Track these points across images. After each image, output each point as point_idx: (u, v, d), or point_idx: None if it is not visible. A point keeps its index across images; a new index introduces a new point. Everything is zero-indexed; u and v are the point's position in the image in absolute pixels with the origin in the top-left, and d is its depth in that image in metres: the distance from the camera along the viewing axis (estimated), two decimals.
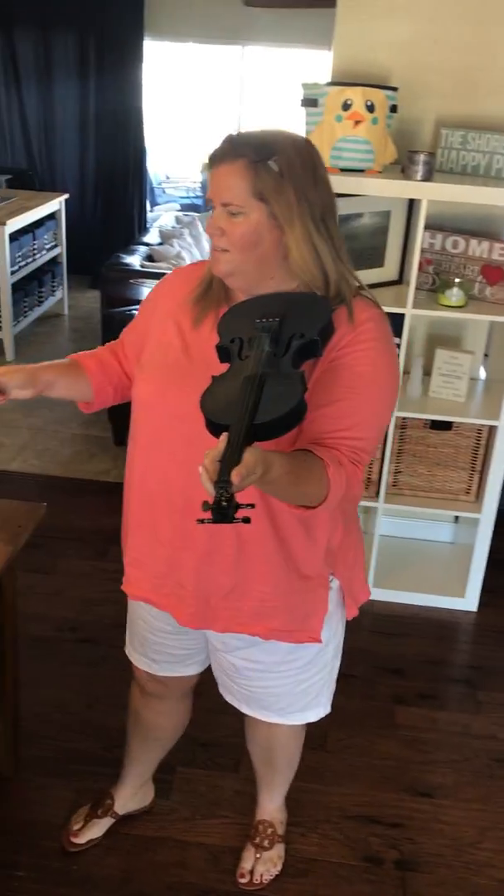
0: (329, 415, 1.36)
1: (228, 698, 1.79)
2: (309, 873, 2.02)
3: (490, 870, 2.06)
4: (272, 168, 1.32)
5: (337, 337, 1.38)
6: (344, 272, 1.41)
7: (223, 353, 1.36)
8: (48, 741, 2.34)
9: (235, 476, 1.10)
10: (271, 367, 1.29)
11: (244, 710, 1.76)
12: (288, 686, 1.68)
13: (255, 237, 1.35)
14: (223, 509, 1.09)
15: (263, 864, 1.99)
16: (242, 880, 1.96)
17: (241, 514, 1.11)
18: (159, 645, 1.74)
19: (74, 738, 2.35)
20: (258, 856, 1.99)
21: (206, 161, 1.37)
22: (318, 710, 1.76)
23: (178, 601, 1.56)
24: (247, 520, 1.11)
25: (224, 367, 1.35)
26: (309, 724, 2.27)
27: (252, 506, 1.12)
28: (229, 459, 1.13)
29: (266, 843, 2.01)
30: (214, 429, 1.24)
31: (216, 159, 1.34)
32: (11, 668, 2.10)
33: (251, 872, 1.97)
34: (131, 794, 2.09)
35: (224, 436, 1.16)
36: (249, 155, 1.31)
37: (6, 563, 1.84)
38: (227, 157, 1.33)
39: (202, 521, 1.11)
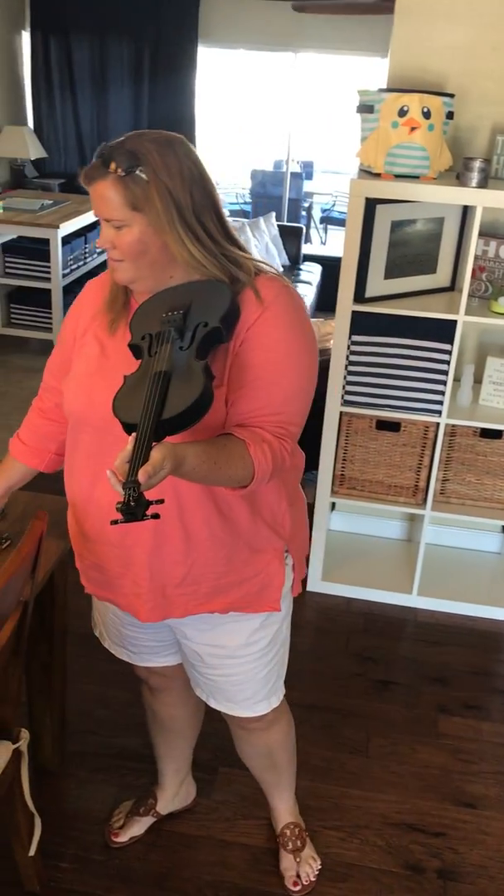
0: (248, 395, 1.40)
1: (197, 692, 1.80)
2: (349, 878, 2.02)
3: None
4: (140, 178, 1.34)
5: (245, 318, 1.40)
6: (235, 257, 1.43)
7: (136, 350, 1.40)
8: (92, 736, 2.37)
9: (142, 475, 1.14)
10: (178, 360, 1.32)
11: (213, 704, 1.77)
12: (252, 671, 1.69)
13: (141, 245, 1.38)
14: (132, 509, 1.13)
15: (305, 864, 2.00)
16: (297, 888, 1.96)
17: (150, 510, 1.14)
18: (134, 638, 1.77)
19: (117, 734, 2.38)
20: (298, 859, 2.00)
21: (81, 180, 1.40)
22: (279, 693, 1.79)
23: (135, 598, 1.59)
24: (156, 515, 1.15)
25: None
26: (350, 730, 2.25)
27: (161, 501, 1.16)
28: (137, 458, 1.16)
29: (299, 843, 2.02)
30: (127, 428, 1.27)
31: (89, 177, 1.37)
32: (60, 665, 2.13)
33: (299, 877, 1.98)
34: (172, 795, 2.11)
35: (133, 435, 1.20)
36: (117, 170, 1.34)
37: (58, 559, 1.87)
38: (98, 174, 1.36)
39: (115, 522, 1.15)
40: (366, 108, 2.54)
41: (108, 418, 1.40)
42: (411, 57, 2.74)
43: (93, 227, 5.55)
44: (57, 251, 4.94)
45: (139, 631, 1.74)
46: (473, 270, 2.68)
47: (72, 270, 5.28)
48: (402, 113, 2.46)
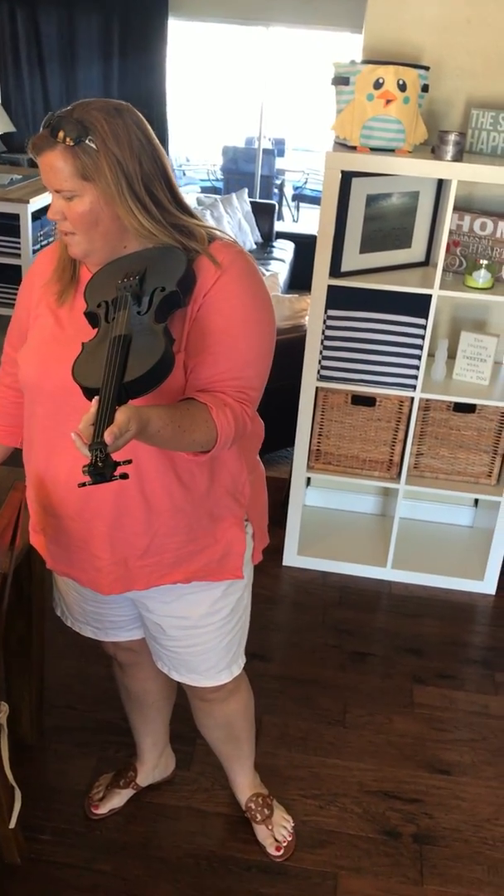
0: (208, 361, 1.40)
1: (159, 665, 1.80)
2: (327, 845, 2.05)
3: None
4: (90, 147, 1.33)
5: (202, 283, 1.40)
6: (187, 225, 1.42)
7: (92, 318, 1.39)
8: (70, 711, 2.37)
9: (108, 436, 1.14)
10: (137, 325, 1.31)
11: (175, 676, 1.78)
12: (214, 641, 1.70)
13: (92, 216, 1.37)
14: (100, 469, 1.13)
15: (279, 828, 2.03)
16: (279, 853, 1.99)
17: (118, 471, 1.14)
18: (97, 613, 1.77)
19: (96, 709, 2.38)
20: (270, 827, 2.03)
21: (29, 150, 1.37)
22: (240, 661, 1.80)
23: (96, 573, 1.58)
24: (124, 476, 1.15)
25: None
26: (327, 700, 2.27)
27: (129, 461, 1.17)
28: (101, 421, 1.17)
29: (267, 811, 2.04)
30: (88, 393, 1.27)
31: (37, 148, 1.35)
32: (38, 639, 2.13)
33: (278, 841, 2.01)
34: (152, 767, 2.12)
35: (96, 399, 1.20)
36: (66, 139, 1.32)
37: None
38: (47, 144, 1.33)
39: (83, 485, 1.15)
40: (341, 81, 2.53)
41: (64, 388, 1.39)
42: (386, 29, 2.73)
43: None
44: (27, 226, 4.86)
45: (102, 606, 1.74)
46: (448, 245, 2.69)
47: (42, 246, 5.20)
48: (378, 85, 2.45)
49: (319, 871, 1.98)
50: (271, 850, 2.00)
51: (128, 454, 1.35)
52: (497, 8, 2.65)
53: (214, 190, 7.85)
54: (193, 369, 1.40)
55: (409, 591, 3.03)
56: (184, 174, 8.36)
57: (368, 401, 2.86)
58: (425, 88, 2.53)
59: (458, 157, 2.47)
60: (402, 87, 2.45)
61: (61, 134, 1.32)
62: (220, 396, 1.39)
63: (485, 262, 2.62)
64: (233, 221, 5.76)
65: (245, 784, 2.07)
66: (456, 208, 2.69)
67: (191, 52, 8.12)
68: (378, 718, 2.44)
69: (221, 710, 1.87)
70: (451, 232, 2.68)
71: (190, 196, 6.68)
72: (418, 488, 2.96)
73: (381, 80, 2.44)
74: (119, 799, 2.07)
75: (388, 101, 2.46)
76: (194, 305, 1.40)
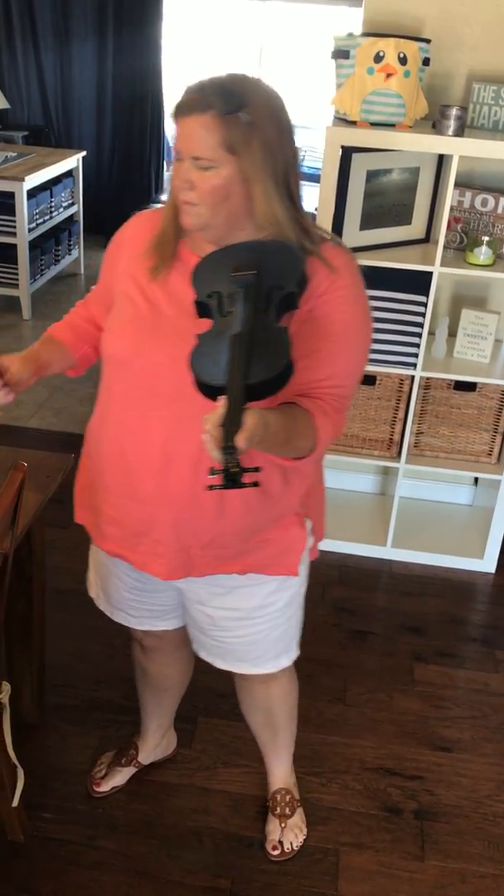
0: (311, 365, 1.37)
1: (203, 654, 1.78)
2: (329, 821, 2.06)
3: None
4: (242, 120, 1.28)
5: (313, 286, 1.37)
6: (307, 224, 1.40)
7: (202, 308, 1.34)
8: (71, 690, 2.37)
9: (242, 441, 1.12)
10: (258, 324, 1.27)
11: (219, 665, 1.76)
12: (264, 632, 1.68)
13: (224, 191, 1.32)
14: (233, 475, 1.11)
15: (290, 832, 1.99)
16: (275, 853, 1.96)
17: (248, 478, 1.13)
18: (136, 601, 1.74)
19: (97, 688, 2.38)
20: (283, 825, 2.00)
21: (173, 111, 1.32)
22: (291, 654, 1.78)
23: (154, 558, 1.55)
24: (255, 484, 1.13)
25: (198, 321, 1.34)
26: (328, 679, 2.27)
27: (258, 469, 1.14)
28: (231, 424, 1.13)
29: (288, 810, 2.02)
30: (208, 390, 1.24)
31: (185, 109, 1.29)
32: (39, 619, 2.12)
33: (281, 843, 1.98)
34: (154, 745, 2.12)
35: (223, 400, 1.16)
36: (219, 106, 1.27)
37: (36, 512, 1.85)
38: (197, 107, 1.28)
39: (213, 488, 1.13)
40: (341, 54, 2.49)
41: (152, 370, 1.38)
42: (386, 1, 2.69)
43: (58, 181, 5.43)
44: (22, 205, 4.82)
45: (144, 595, 1.72)
46: (449, 221, 2.67)
47: (38, 225, 5.16)
48: (378, 59, 2.41)
49: (321, 848, 1.99)
50: (268, 848, 1.96)
51: (180, 413, 1.39)
52: None
53: None
54: (296, 372, 1.33)
55: (409, 569, 3.03)
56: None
57: (369, 379, 2.84)
58: (426, 62, 2.49)
59: (459, 132, 2.44)
60: (403, 61, 2.41)
61: (216, 100, 1.27)
62: (320, 404, 1.37)
63: (486, 238, 2.59)
64: None
65: (278, 775, 2.05)
66: (457, 184, 2.67)
67: (187, 28, 8.02)
68: (379, 696, 2.44)
69: (263, 692, 1.86)
70: (451, 208, 2.66)
71: None
72: (418, 467, 2.95)
73: (381, 54, 2.41)
74: (121, 777, 2.08)
75: (389, 75, 2.42)
76: (304, 307, 1.37)
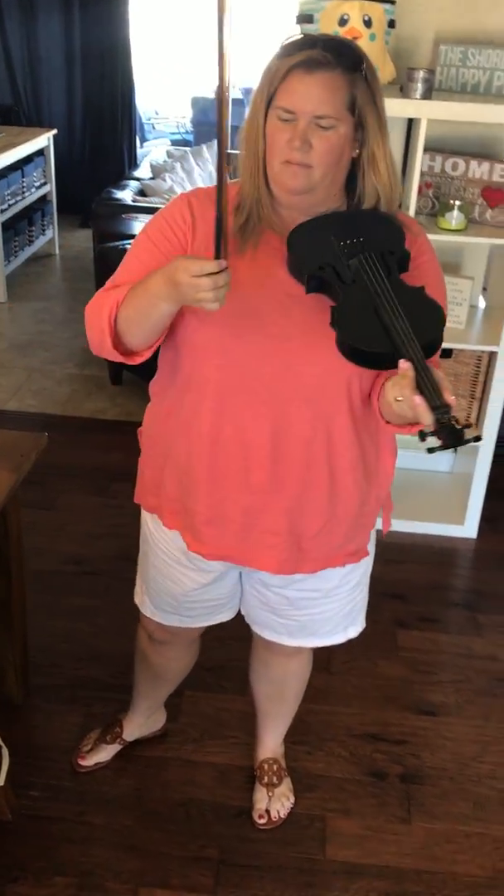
0: None
1: (267, 634, 1.74)
2: (316, 788, 2.08)
3: (491, 781, 2.11)
4: (365, 79, 1.27)
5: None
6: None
7: (315, 282, 1.30)
8: (56, 669, 2.37)
9: (450, 397, 1.11)
10: (396, 286, 1.28)
11: (289, 642, 1.73)
12: (339, 607, 1.68)
13: (339, 151, 1.29)
14: (458, 432, 1.11)
15: (277, 801, 2.00)
16: (262, 821, 1.97)
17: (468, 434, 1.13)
18: (194, 602, 1.68)
19: (82, 667, 2.38)
20: (270, 794, 2.01)
21: (288, 66, 1.25)
22: (357, 626, 1.77)
23: (264, 550, 1.51)
24: (478, 438, 1.14)
25: (294, 296, 1.32)
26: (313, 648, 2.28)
27: (469, 425, 1.12)
28: (430, 385, 1.13)
29: (275, 779, 2.03)
30: (373, 359, 1.23)
31: (310, 65, 1.23)
32: (18, 599, 2.12)
33: (268, 812, 1.99)
34: (140, 724, 2.12)
35: (409, 364, 1.15)
36: (345, 63, 1.24)
37: (10, 491, 1.84)
38: (326, 65, 1.23)
39: (433, 450, 1.12)
40: (305, 18, 2.46)
41: (255, 353, 1.33)
42: None
43: (29, 160, 5.35)
44: None
45: (205, 589, 1.65)
46: (420, 187, 2.64)
47: (9, 206, 5.10)
48: (343, 22, 2.38)
49: (308, 815, 2.01)
50: (255, 816, 1.97)
51: (325, 428, 1.38)
52: None
53: (185, 143, 7.68)
54: None
55: (392, 537, 2.99)
56: (153, 128, 8.18)
57: None
58: (392, 24, 2.46)
59: (427, 95, 2.42)
60: (368, 24, 2.38)
61: (341, 58, 1.24)
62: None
63: (457, 203, 2.58)
64: (204, 173, 5.65)
65: (269, 745, 2.06)
66: (427, 149, 2.64)
67: (153, 4, 7.90)
68: (363, 663, 2.46)
69: (282, 666, 1.86)
70: (422, 173, 2.64)
71: (160, 149, 6.55)
72: (398, 435, 2.94)
73: (346, 17, 2.38)
74: (105, 753, 2.08)
75: (355, 39, 2.39)
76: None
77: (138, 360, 1.41)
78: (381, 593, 2.75)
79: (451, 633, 2.62)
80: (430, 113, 2.41)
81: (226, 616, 1.76)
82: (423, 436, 1.12)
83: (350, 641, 2.49)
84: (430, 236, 2.56)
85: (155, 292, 1.26)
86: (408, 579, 2.83)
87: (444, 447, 1.11)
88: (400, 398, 1.16)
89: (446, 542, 3.03)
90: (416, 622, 2.64)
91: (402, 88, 2.47)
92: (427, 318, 1.24)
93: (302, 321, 1.34)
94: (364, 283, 1.27)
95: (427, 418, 1.11)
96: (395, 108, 2.43)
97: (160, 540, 1.64)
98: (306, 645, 1.76)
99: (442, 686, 2.40)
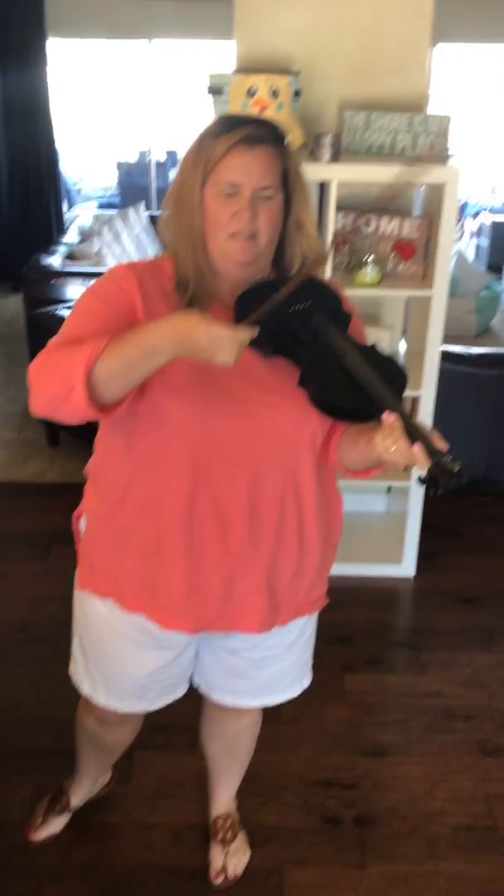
0: None
1: (228, 699, 1.74)
2: (271, 840, 2.08)
3: (443, 817, 2.15)
4: (290, 150, 1.37)
5: None
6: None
7: (274, 346, 1.37)
8: (3, 742, 2.34)
9: (441, 442, 1.18)
10: (350, 342, 1.37)
11: (248, 703, 1.75)
12: (296, 660, 1.71)
13: (279, 219, 1.38)
14: (459, 474, 1.15)
15: (233, 857, 1.99)
16: (218, 880, 1.95)
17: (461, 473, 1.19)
18: (155, 681, 1.66)
19: (29, 735, 2.36)
20: (226, 851, 2.00)
21: (228, 143, 1.31)
22: (309, 674, 1.80)
23: (246, 612, 1.52)
24: (470, 476, 1.17)
25: (253, 363, 1.37)
26: None
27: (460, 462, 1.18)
28: (419, 432, 1.20)
29: (230, 835, 2.02)
30: (344, 413, 1.32)
31: (255, 139, 1.32)
32: None
33: (224, 869, 1.97)
34: (88, 790, 2.10)
35: (394, 416, 1.21)
36: (278, 136, 1.36)
37: None
38: (264, 140, 1.33)
39: (437, 493, 1.17)
40: (215, 91, 2.58)
41: (226, 422, 1.37)
42: (256, 39, 2.79)
43: None
44: None
45: (166, 669, 1.64)
46: (336, 244, 2.76)
47: None
48: (251, 93, 2.51)
49: (264, 868, 2.01)
50: (211, 876, 1.96)
51: (293, 481, 1.43)
52: (358, 13, 2.74)
53: (112, 206, 7.82)
54: None
55: (334, 582, 3.02)
56: (80, 192, 8.30)
57: None
58: (298, 94, 2.60)
59: (335, 158, 2.55)
60: (275, 94, 2.51)
61: (275, 132, 1.35)
62: None
63: (371, 257, 2.70)
64: (131, 235, 5.76)
65: (222, 801, 2.05)
66: (340, 207, 2.77)
67: (77, 69, 8.08)
68: (312, 710, 2.48)
69: (234, 723, 1.87)
70: (336, 231, 2.76)
71: (87, 213, 6.65)
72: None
73: (253, 89, 2.50)
74: (56, 825, 2.05)
75: (263, 108, 2.51)
76: None
77: (111, 415, 1.32)
78: (327, 638, 2.77)
79: (397, 672, 2.66)
80: (339, 175, 2.54)
81: (181, 692, 1.75)
82: (423, 481, 1.19)
83: None
84: (349, 291, 2.70)
85: (153, 346, 1.22)
86: (351, 622, 2.88)
87: (445, 489, 1.16)
88: (394, 448, 1.22)
89: (386, 583, 3.09)
90: (361, 665, 2.68)
91: (312, 153, 2.60)
92: (390, 369, 1.33)
93: (264, 383, 1.40)
94: (325, 342, 1.36)
95: (425, 464, 1.17)
96: (307, 172, 2.54)
97: (118, 623, 1.59)
98: (266, 703, 1.77)
99: (390, 726, 2.44)
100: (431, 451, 1.17)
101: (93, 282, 1.47)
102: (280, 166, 1.35)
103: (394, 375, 1.32)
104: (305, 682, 1.80)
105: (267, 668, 1.67)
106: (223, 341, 1.20)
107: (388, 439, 1.22)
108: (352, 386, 1.29)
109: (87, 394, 1.24)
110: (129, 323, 1.35)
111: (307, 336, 1.36)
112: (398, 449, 1.21)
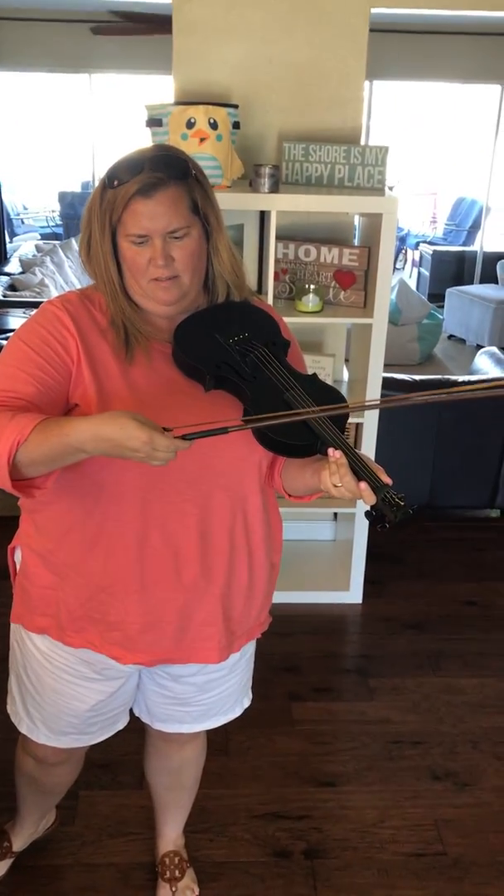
0: None
1: (171, 727, 1.72)
2: (220, 877, 2.04)
3: (394, 845, 2.13)
4: (196, 179, 1.33)
5: None
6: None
7: (215, 381, 1.35)
8: None
9: (386, 477, 1.21)
10: (293, 375, 1.37)
11: (192, 729, 1.72)
12: (238, 681, 1.70)
13: (199, 252, 1.35)
14: (405, 507, 1.18)
15: (182, 894, 1.95)
16: None
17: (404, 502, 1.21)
18: (97, 715, 1.63)
19: None
20: (174, 889, 1.95)
21: (126, 197, 1.27)
22: (249, 695, 1.79)
23: (204, 641, 1.51)
24: (413, 507, 1.21)
25: (195, 395, 1.36)
26: (209, 732, 2.29)
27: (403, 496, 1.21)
28: (363, 467, 1.23)
29: (178, 873, 1.97)
30: (289, 449, 1.32)
31: (148, 190, 1.27)
32: None
33: None
34: (31, 833, 2.03)
35: (339, 453, 1.23)
36: (176, 174, 1.29)
37: None
38: (162, 183, 1.28)
39: (385, 527, 1.19)
40: (154, 122, 2.59)
41: (171, 464, 1.22)
42: (194, 71, 2.82)
43: None
44: None
45: (111, 702, 1.61)
46: (276, 273, 2.79)
47: None
48: (190, 125, 2.53)
49: None
50: None
51: (241, 510, 1.45)
52: (294, 46, 2.80)
53: (55, 236, 7.80)
54: None
55: (280, 610, 3.02)
56: (22, 223, 8.26)
57: None
58: (236, 125, 2.63)
59: (274, 189, 2.58)
60: (214, 126, 2.54)
61: (171, 171, 1.29)
62: None
63: (312, 286, 2.73)
64: (74, 265, 5.74)
65: (170, 838, 2.00)
66: (280, 237, 2.80)
67: (18, 101, 8.08)
68: (260, 742, 2.46)
69: (178, 754, 1.83)
70: (277, 260, 2.79)
71: (29, 243, 6.62)
72: (280, 508, 3.01)
73: (192, 120, 2.52)
74: None
75: (202, 140, 2.54)
76: None
77: (35, 494, 1.30)
78: (274, 667, 2.78)
79: (345, 700, 2.65)
80: (278, 205, 2.57)
81: (122, 724, 1.73)
82: (369, 515, 1.21)
83: (246, 720, 2.49)
84: (290, 319, 2.72)
85: (79, 446, 1.19)
86: (298, 651, 2.86)
87: (391, 523, 1.19)
88: (339, 484, 1.24)
89: (334, 609, 3.09)
90: (309, 693, 2.67)
91: (252, 183, 2.62)
92: (331, 400, 1.34)
93: (208, 416, 1.34)
94: (266, 376, 1.35)
95: (372, 499, 1.20)
96: (247, 201, 2.58)
97: (59, 658, 1.55)
98: (208, 727, 1.75)
99: (339, 755, 2.42)
100: (377, 487, 1.20)
101: (28, 320, 1.42)
102: (187, 201, 1.31)
103: (333, 405, 1.32)
104: (246, 701, 1.78)
105: (211, 691, 1.66)
106: (158, 451, 1.16)
107: (334, 476, 1.24)
108: (295, 423, 1.29)
109: (9, 477, 1.22)
110: (64, 377, 1.34)
111: (247, 370, 1.36)
112: (345, 485, 1.24)
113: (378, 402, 1.31)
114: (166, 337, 1.40)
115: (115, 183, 1.29)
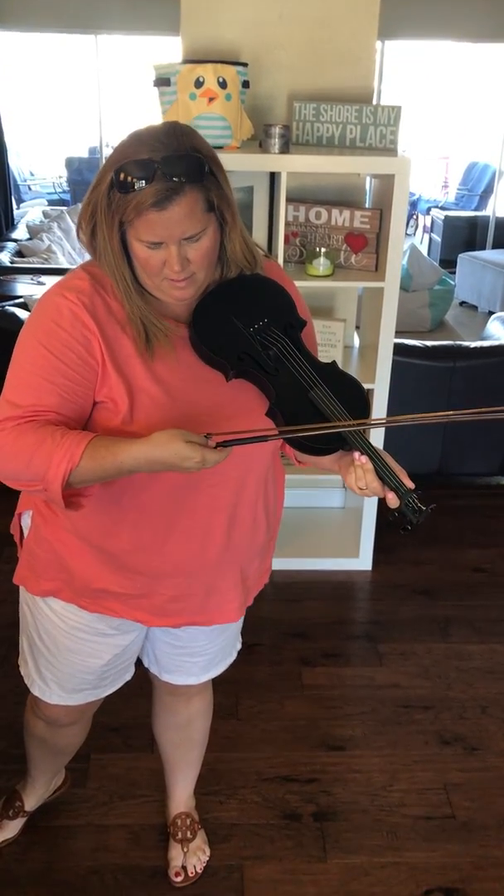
0: None
1: (178, 678, 1.76)
2: (231, 838, 2.06)
3: (403, 808, 2.15)
4: (209, 172, 1.24)
5: None
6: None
7: (237, 371, 1.34)
8: None
9: (409, 481, 1.25)
10: (315, 368, 1.35)
11: (203, 679, 1.77)
12: (238, 625, 1.75)
13: (214, 246, 1.30)
14: (424, 509, 1.24)
15: (193, 856, 1.97)
16: (178, 878, 1.93)
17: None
18: (110, 668, 1.66)
19: None
20: (185, 850, 1.97)
21: (138, 208, 1.20)
22: (240, 638, 1.83)
23: (227, 604, 1.57)
24: (432, 508, 1.26)
25: (219, 384, 1.35)
26: (220, 696, 2.30)
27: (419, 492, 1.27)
28: (388, 471, 1.26)
29: (189, 833, 1.99)
30: (314, 450, 1.33)
31: (163, 202, 1.20)
32: None
33: (184, 868, 1.95)
34: (42, 793, 2.05)
35: (365, 458, 1.27)
36: (192, 177, 1.21)
37: None
38: (176, 192, 1.20)
39: (407, 530, 1.25)
40: (162, 82, 2.54)
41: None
42: (202, 30, 2.76)
43: None
44: None
45: (123, 654, 1.65)
46: (287, 236, 2.75)
47: None
48: (199, 84, 2.48)
49: (224, 866, 1.99)
50: (171, 875, 1.93)
51: (263, 486, 1.50)
52: (305, 5, 2.73)
53: (62, 202, 7.73)
54: None
55: (291, 577, 3.07)
56: (29, 189, 8.19)
57: None
58: (246, 84, 2.58)
59: (285, 149, 2.53)
60: (223, 85, 2.48)
61: (186, 174, 1.19)
62: None
63: (323, 250, 2.69)
64: None
65: (181, 798, 2.02)
66: (290, 199, 2.76)
67: (24, 65, 7.97)
68: (270, 706, 2.47)
69: (186, 708, 1.86)
70: (288, 223, 2.74)
71: (36, 210, 6.56)
72: (290, 475, 3.00)
73: (201, 79, 2.47)
74: (10, 830, 2.00)
75: (211, 99, 2.49)
76: None
77: (83, 504, 1.39)
78: (284, 633, 2.79)
79: (354, 665, 2.66)
80: (289, 166, 2.52)
81: (130, 674, 1.76)
82: (393, 517, 1.26)
83: (257, 685, 2.53)
84: (300, 283, 2.68)
85: (132, 469, 1.27)
86: (308, 617, 2.87)
87: (413, 525, 1.24)
88: (364, 487, 1.28)
89: (343, 576, 3.09)
90: (319, 658, 2.68)
91: (262, 144, 2.58)
92: (353, 395, 1.34)
93: (233, 403, 1.38)
94: (288, 370, 1.34)
95: (396, 503, 1.26)
96: (255, 162, 2.54)
97: (72, 617, 1.57)
98: (213, 675, 1.80)
99: (348, 719, 2.44)
100: (401, 493, 1.25)
101: (42, 315, 1.34)
102: (202, 204, 1.24)
103: (356, 400, 1.33)
104: (238, 644, 1.84)
105: (218, 638, 1.70)
106: (208, 465, 1.24)
107: (360, 480, 1.28)
108: (321, 422, 1.30)
109: (62, 498, 1.28)
110: (90, 380, 1.32)
111: (270, 363, 1.35)
112: (370, 489, 1.28)
113: (411, 418, 1.31)
114: (184, 319, 1.38)
115: (125, 187, 1.21)
